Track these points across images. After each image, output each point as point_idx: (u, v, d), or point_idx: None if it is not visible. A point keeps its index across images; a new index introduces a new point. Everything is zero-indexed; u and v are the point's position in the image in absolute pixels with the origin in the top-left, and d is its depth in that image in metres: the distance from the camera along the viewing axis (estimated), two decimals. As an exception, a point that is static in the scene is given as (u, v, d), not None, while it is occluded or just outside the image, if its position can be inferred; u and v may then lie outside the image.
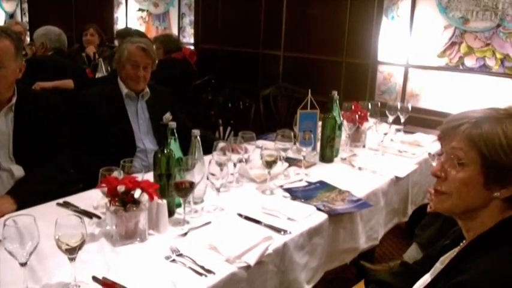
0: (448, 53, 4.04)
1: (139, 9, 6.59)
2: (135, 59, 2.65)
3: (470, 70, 3.96)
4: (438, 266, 1.26)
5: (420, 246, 2.53)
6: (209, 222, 1.80)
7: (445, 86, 4.09)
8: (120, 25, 6.79)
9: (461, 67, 4.00)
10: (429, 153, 1.35)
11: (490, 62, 3.85)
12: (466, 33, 3.93)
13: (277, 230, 1.75)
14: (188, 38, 6.02)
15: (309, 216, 1.90)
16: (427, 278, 1.29)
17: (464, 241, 1.22)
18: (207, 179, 1.91)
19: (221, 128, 4.13)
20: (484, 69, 3.88)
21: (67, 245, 1.32)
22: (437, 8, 4.02)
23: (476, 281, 1.03)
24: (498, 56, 3.81)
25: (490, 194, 1.12)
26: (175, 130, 1.85)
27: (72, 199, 1.96)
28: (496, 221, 1.14)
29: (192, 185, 1.75)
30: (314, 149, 2.62)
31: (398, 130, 3.23)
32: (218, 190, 1.92)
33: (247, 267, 1.53)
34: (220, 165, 1.95)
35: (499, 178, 1.11)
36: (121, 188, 1.58)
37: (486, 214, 1.15)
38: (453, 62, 4.03)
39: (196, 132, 1.98)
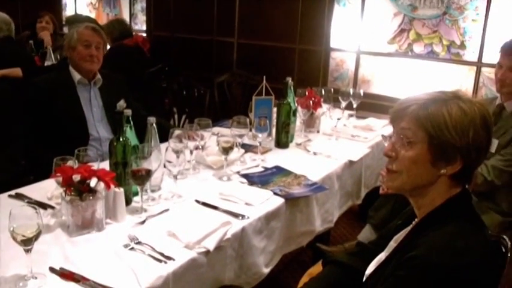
0: (397, 39, 4.15)
1: (89, -5, 6.43)
2: (86, 39, 2.63)
3: (418, 56, 4.09)
4: (392, 244, 1.32)
5: (374, 227, 2.62)
6: (167, 210, 1.80)
7: (396, 72, 4.21)
8: (68, 12, 6.59)
9: (410, 53, 4.12)
10: (382, 135, 1.40)
11: (437, 48, 3.98)
12: (414, 21, 4.05)
13: (235, 215, 1.77)
14: (140, 25, 5.92)
15: (266, 201, 1.93)
16: (381, 256, 1.34)
17: (416, 220, 1.28)
18: (164, 166, 1.91)
19: (176, 116, 4.10)
20: (432, 55, 4.02)
21: (23, 236, 1.29)
22: (387, -5, 4.12)
23: (427, 254, 1.09)
24: (445, 42, 3.94)
25: (437, 171, 1.19)
26: (130, 118, 1.83)
27: (24, 190, 1.91)
28: (444, 198, 1.20)
29: (149, 173, 1.74)
30: (270, 134, 2.65)
31: (351, 115, 3.30)
32: (175, 177, 1.92)
33: (207, 253, 1.55)
34: (177, 152, 1.95)
35: (445, 156, 1.17)
36: (76, 177, 1.56)
37: (435, 191, 1.21)
38: (402, 49, 4.15)
39: (152, 119, 1.96)
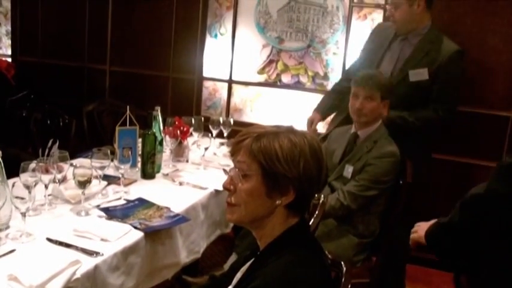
0: (267, 69, 4.31)
1: None
2: None
3: (286, 86, 4.27)
4: (238, 276, 1.34)
5: (238, 255, 2.65)
6: (13, 250, 1.68)
7: (266, 101, 4.36)
8: None
9: (279, 83, 4.30)
10: (224, 169, 1.43)
11: (303, 79, 4.20)
12: (282, 52, 4.24)
13: (89, 253, 1.70)
14: (5, 50, 5.55)
15: (124, 235, 1.87)
16: (229, 288, 1.36)
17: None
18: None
19: (41, 147, 3.86)
20: (299, 85, 4.22)
21: None
22: (256, 28, 4.27)
23: (262, 285, 1.12)
24: (310, 73, 4.17)
25: (273, 203, 1.23)
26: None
27: None
28: (282, 229, 1.25)
29: (-10, 212, 1.62)
30: (135, 165, 2.60)
31: (222, 144, 3.34)
32: (23, 215, 1.79)
33: (52, 296, 1.46)
34: (28, 187, 1.83)
35: (278, 187, 1.22)
36: None
37: (273, 222, 1.25)
38: (272, 78, 4.31)
39: (-4, 153, 1.83)
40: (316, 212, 2.11)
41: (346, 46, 4.01)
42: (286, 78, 4.26)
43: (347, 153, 2.71)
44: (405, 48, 3.12)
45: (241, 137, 1.26)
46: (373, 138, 2.65)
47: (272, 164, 1.20)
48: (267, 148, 1.21)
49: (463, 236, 1.63)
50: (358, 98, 2.63)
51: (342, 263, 1.33)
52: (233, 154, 1.28)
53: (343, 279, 1.27)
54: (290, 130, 1.25)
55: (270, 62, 4.29)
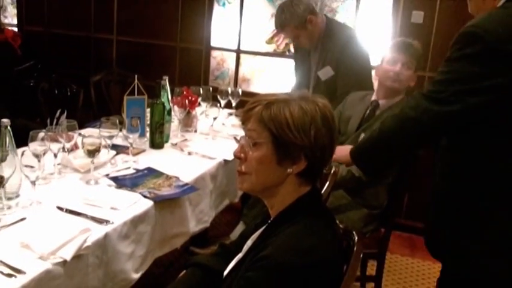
0: (275, 39, 4.25)
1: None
2: None
3: (295, 56, 4.22)
4: (249, 244, 1.33)
5: (246, 225, 2.65)
6: (24, 219, 1.68)
7: (274, 71, 4.32)
8: None
9: (287, 53, 4.24)
10: (234, 137, 1.41)
11: (312, 49, 4.13)
12: (291, 22, 4.16)
13: (99, 221, 1.70)
14: (10, 19, 5.50)
15: (134, 204, 1.87)
16: (239, 256, 1.35)
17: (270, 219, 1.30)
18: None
19: (49, 117, 3.85)
20: (308, 55, 4.16)
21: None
22: (265, -4, 4.21)
23: (274, 254, 1.11)
24: (319, 43, 4.10)
25: (284, 171, 1.22)
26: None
27: None
28: (294, 197, 1.24)
29: (1, 180, 1.61)
30: (143, 135, 2.59)
31: (230, 114, 3.33)
32: (33, 183, 1.79)
33: (64, 263, 1.46)
34: (37, 156, 1.83)
35: (290, 155, 1.20)
36: None
37: (285, 191, 1.24)
38: (280, 48, 4.26)
39: (5, 122, 1.81)
40: (328, 182, 2.09)
41: (356, 15, 3.93)
42: (295, 48, 4.20)
43: (364, 121, 2.67)
44: (316, 55, 3.23)
45: (252, 104, 1.23)
46: (394, 110, 2.60)
47: (282, 132, 1.18)
48: (277, 116, 1.19)
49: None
50: (396, 63, 2.56)
51: (354, 232, 1.32)
52: (244, 122, 1.26)
53: (355, 249, 1.27)
54: (302, 97, 1.22)
55: (278, 32, 4.21)
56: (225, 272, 1.37)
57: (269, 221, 1.29)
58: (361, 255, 1.30)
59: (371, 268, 2.84)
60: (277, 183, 1.24)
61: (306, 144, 1.18)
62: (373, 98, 2.69)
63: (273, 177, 1.23)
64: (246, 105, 1.27)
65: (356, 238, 1.29)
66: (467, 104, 1.49)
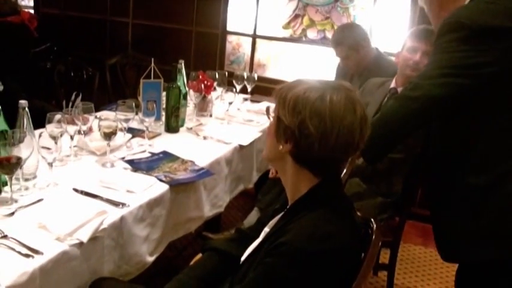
0: (292, 24, 4.21)
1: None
2: None
3: (312, 42, 4.18)
4: (266, 230, 1.33)
5: (260, 211, 2.65)
6: (41, 200, 1.69)
7: (290, 56, 4.28)
8: None
9: (304, 39, 4.20)
10: (266, 107, 1.42)
11: (330, 35, 4.08)
12: (308, 6, 4.12)
13: (115, 204, 1.70)
14: (27, 1, 5.51)
15: (150, 188, 1.87)
16: (257, 242, 1.35)
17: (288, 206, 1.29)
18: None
19: (64, 99, 3.86)
20: (325, 41, 4.12)
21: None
22: (282, -20, 4.16)
23: (292, 240, 1.11)
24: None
25: (278, 146, 1.24)
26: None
27: None
28: (307, 187, 1.23)
29: (18, 161, 1.62)
30: (159, 119, 2.59)
31: (245, 99, 3.31)
32: (50, 165, 1.80)
33: (80, 244, 1.47)
34: (54, 138, 1.83)
35: (283, 133, 1.23)
36: None
37: (290, 172, 1.27)
38: (297, 34, 4.22)
39: (23, 103, 1.82)
40: (345, 170, 2.08)
41: (375, 0, 3.88)
42: (311, 34, 4.16)
43: (382, 108, 2.64)
44: (358, 82, 3.20)
45: (293, 85, 1.25)
46: None
47: (279, 107, 1.23)
48: (283, 92, 1.23)
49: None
50: (416, 52, 2.52)
51: (372, 220, 1.30)
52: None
53: (373, 237, 1.25)
54: (333, 87, 1.20)
55: (295, 17, 4.18)
56: (242, 258, 1.36)
57: (287, 208, 1.28)
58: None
59: (383, 256, 2.83)
60: (276, 157, 1.29)
61: (291, 127, 1.19)
62: (392, 85, 2.65)
63: (272, 149, 1.29)
64: (288, 83, 1.30)
65: (375, 226, 1.28)
66: (458, 85, 1.49)
